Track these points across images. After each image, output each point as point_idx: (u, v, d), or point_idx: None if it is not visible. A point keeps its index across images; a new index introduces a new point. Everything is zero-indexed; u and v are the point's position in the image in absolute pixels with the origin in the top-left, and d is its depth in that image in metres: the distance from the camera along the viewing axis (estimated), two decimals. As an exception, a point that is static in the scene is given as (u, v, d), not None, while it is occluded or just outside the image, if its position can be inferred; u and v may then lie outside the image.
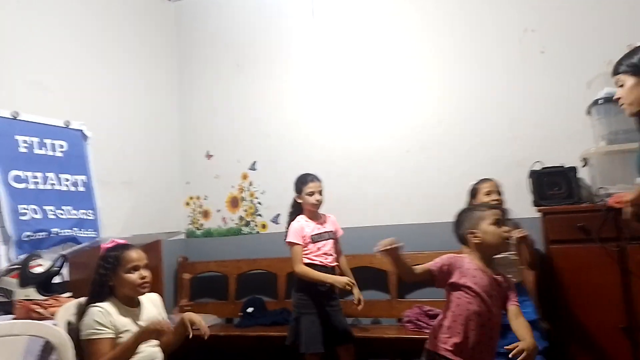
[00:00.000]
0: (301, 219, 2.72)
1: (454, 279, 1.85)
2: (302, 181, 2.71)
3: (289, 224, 2.74)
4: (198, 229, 3.79)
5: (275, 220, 3.55)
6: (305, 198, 2.69)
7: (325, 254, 2.67)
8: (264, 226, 3.60)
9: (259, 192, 3.62)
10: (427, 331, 2.76)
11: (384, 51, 3.32)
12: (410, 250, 3.10)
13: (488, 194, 2.46)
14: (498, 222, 1.88)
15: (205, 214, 3.78)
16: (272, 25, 3.64)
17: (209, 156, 3.80)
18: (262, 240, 3.55)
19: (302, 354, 2.61)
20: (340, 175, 3.31)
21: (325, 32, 3.48)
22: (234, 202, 3.70)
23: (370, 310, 2.85)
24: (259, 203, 3.62)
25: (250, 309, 3.26)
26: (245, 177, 3.67)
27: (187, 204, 3.84)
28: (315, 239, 2.68)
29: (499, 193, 2.47)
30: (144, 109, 3.56)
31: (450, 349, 1.81)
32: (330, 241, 2.72)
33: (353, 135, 3.36)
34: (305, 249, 2.66)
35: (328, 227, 2.75)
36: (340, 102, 3.41)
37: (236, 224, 3.68)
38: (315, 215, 2.74)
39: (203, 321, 2.04)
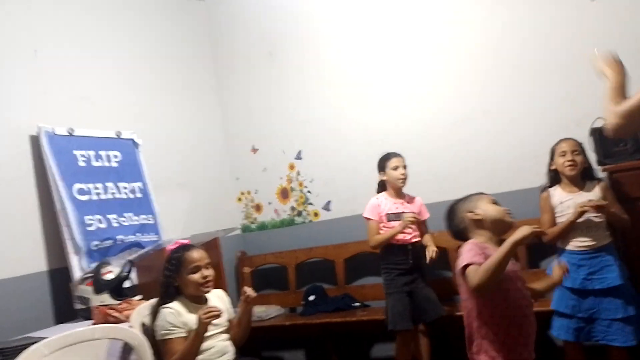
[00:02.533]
0: (380, 196, 2.74)
1: None
2: (385, 158, 2.74)
3: None
4: (252, 223, 3.85)
5: (326, 207, 3.56)
6: (390, 174, 2.70)
7: (401, 232, 2.64)
8: (316, 214, 3.61)
9: (308, 181, 3.63)
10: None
11: (422, 22, 3.21)
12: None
13: (563, 154, 2.36)
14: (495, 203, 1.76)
15: (258, 208, 3.84)
16: (304, 11, 3.60)
17: (254, 150, 3.84)
18: (315, 229, 3.57)
19: (394, 333, 2.64)
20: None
21: (360, 10, 3.40)
22: (284, 193, 3.73)
23: (445, 289, 2.87)
24: (309, 192, 3.64)
25: (312, 297, 3.30)
26: (292, 167, 3.69)
27: (239, 199, 3.91)
28: (391, 217, 2.68)
29: (575, 153, 2.34)
30: (187, 110, 3.64)
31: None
32: None
33: (395, 114, 3.29)
34: (384, 227, 2.68)
35: (410, 207, 2.73)
36: (379, 80, 3.34)
37: (289, 214, 3.71)
38: (398, 194, 2.74)
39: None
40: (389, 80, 3.31)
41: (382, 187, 2.80)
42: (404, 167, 2.72)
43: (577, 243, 2.30)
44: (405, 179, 2.71)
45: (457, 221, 1.78)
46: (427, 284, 2.72)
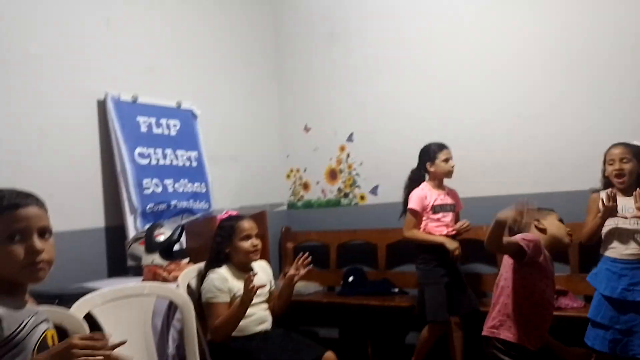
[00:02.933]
0: (425, 187, 2.73)
1: (540, 260, 1.79)
2: (435, 149, 2.70)
3: (406, 195, 2.75)
4: (299, 201, 3.91)
5: (374, 191, 3.55)
6: (441, 165, 2.68)
7: (446, 225, 2.67)
8: (362, 198, 3.62)
9: (357, 164, 3.63)
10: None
11: (490, 13, 3.09)
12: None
13: (611, 162, 2.25)
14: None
15: (305, 186, 3.89)
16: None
17: (307, 129, 3.87)
18: (361, 212, 3.58)
19: (425, 323, 2.66)
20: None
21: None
22: (333, 174, 3.75)
23: (478, 285, 2.84)
24: (357, 175, 3.64)
25: (351, 278, 3.33)
26: (342, 149, 3.69)
27: (288, 176, 3.97)
28: (437, 209, 2.68)
29: (625, 160, 2.21)
30: (244, 85, 3.71)
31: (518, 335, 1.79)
32: (451, 213, 2.72)
33: (455, 102, 3.20)
34: (425, 218, 2.68)
35: (450, 199, 2.74)
36: (439, 67, 3.26)
37: (335, 195, 3.74)
38: (440, 185, 2.74)
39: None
40: (452, 68, 3.21)
41: (417, 177, 2.77)
42: (452, 159, 2.71)
43: (621, 251, 2.20)
44: (452, 171, 2.71)
45: (522, 225, 1.86)
46: (462, 277, 2.72)
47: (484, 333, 1.84)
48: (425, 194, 2.69)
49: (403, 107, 3.40)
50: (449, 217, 2.69)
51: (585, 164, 2.72)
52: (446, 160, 2.67)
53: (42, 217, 1.14)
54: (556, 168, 2.87)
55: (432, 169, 2.70)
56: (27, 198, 1.13)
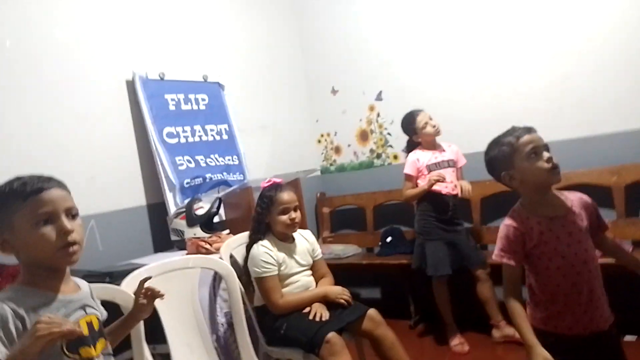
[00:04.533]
0: (417, 151, 2.81)
1: (528, 247, 1.44)
2: (410, 121, 2.78)
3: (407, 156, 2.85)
4: (331, 165, 3.91)
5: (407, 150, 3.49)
6: (424, 133, 2.75)
7: (446, 181, 2.69)
8: (395, 157, 3.58)
9: (388, 123, 3.58)
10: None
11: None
12: (566, 169, 2.86)
13: None
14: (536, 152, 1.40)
15: (337, 150, 3.87)
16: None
17: (334, 92, 3.82)
18: (394, 172, 3.52)
19: (430, 278, 2.74)
20: (473, 95, 3.12)
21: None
22: (364, 136, 3.71)
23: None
24: (389, 134, 3.58)
25: (389, 239, 3.34)
26: (372, 108, 3.64)
27: (319, 141, 3.95)
28: (432, 168, 2.75)
29: None
30: (268, 53, 3.67)
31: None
32: (450, 169, 2.75)
33: (483, 47, 3.09)
34: (423, 179, 2.74)
35: (447, 155, 2.78)
36: (466, 20, 3.12)
37: (367, 157, 3.71)
38: (432, 145, 2.78)
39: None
40: (479, 19, 3.08)
41: (411, 145, 2.84)
42: (430, 118, 2.73)
43: None
44: (438, 131, 2.72)
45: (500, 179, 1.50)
46: (466, 234, 2.78)
47: None
48: (418, 157, 2.77)
49: (430, 60, 3.30)
50: (447, 173, 2.72)
51: (627, 104, 2.60)
52: (424, 126, 2.71)
53: (67, 199, 1.13)
54: (594, 110, 2.74)
55: (420, 139, 2.78)
56: (49, 181, 1.12)
